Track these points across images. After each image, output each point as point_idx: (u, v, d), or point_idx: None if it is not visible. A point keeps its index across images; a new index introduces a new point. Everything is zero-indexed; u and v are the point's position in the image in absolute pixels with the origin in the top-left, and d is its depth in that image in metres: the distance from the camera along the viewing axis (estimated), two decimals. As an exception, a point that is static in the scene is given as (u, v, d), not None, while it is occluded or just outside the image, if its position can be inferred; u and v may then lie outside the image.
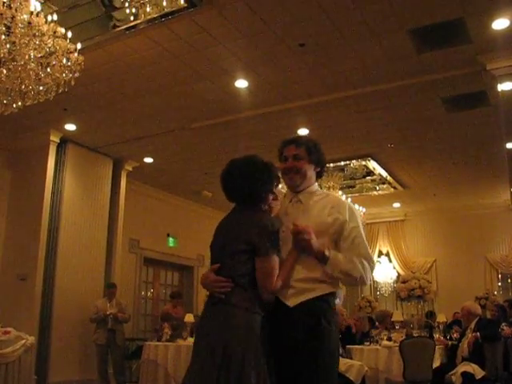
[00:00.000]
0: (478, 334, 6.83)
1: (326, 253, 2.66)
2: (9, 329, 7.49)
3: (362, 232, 2.80)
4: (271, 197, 2.85)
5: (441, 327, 8.94)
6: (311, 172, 2.90)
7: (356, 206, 10.77)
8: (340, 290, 2.95)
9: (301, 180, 2.86)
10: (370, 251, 2.88)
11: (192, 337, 8.19)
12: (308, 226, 2.66)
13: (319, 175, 2.99)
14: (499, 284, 12.76)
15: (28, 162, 9.06)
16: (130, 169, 10.44)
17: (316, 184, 2.96)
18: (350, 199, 10.89)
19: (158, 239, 11.99)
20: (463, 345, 7.08)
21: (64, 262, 8.79)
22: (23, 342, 7.51)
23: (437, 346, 7.14)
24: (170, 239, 12.37)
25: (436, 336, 8.18)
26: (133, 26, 5.92)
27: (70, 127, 8.67)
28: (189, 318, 8.35)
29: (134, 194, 11.03)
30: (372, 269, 2.77)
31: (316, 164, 2.92)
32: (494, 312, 8.76)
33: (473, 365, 6.58)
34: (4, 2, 4.36)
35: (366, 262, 2.72)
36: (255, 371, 2.47)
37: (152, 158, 10.15)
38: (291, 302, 2.64)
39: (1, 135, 8.89)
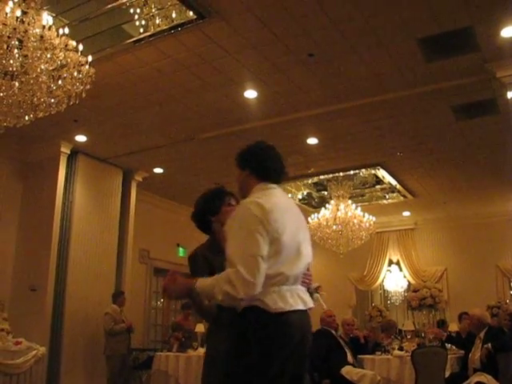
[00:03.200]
0: (490, 345, 6.73)
1: (195, 286, 2.55)
2: (20, 339, 7.54)
3: (239, 228, 2.50)
4: (224, 209, 3.06)
5: (453, 335, 8.89)
6: (243, 178, 2.79)
7: (366, 215, 10.76)
8: (316, 294, 2.87)
9: (242, 194, 2.81)
10: (246, 248, 2.43)
11: (202, 347, 8.19)
12: (171, 274, 2.69)
13: (260, 176, 2.74)
14: (511, 292, 12.67)
15: (39, 173, 9.10)
16: (140, 179, 10.47)
17: (256, 188, 2.71)
18: (359, 208, 10.87)
19: (167, 249, 12.00)
20: (474, 356, 7.00)
21: (75, 273, 8.81)
22: (34, 352, 7.55)
23: (448, 356, 7.10)
24: (180, 249, 12.37)
25: (448, 345, 8.13)
26: (142, 38, 5.97)
27: (81, 138, 8.73)
28: (199, 328, 8.35)
29: (143, 204, 11.06)
30: (247, 269, 2.36)
31: (242, 169, 2.80)
32: (507, 321, 8.67)
33: (487, 375, 6.50)
34: (17, 17, 4.41)
35: (230, 270, 2.41)
36: None
37: (162, 168, 10.19)
38: None
39: (12, 147, 8.96)
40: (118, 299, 9.10)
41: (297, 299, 2.54)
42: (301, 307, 2.54)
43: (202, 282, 2.53)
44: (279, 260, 2.50)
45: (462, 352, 7.79)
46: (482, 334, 7.07)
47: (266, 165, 2.76)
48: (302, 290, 2.62)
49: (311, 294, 2.73)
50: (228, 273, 2.41)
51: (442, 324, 10.14)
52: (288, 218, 2.60)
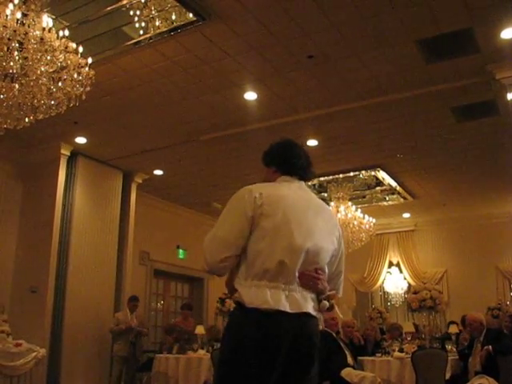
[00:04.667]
0: (490, 347, 6.71)
1: None
2: (20, 341, 7.53)
3: (225, 209, 2.57)
4: None
5: (453, 338, 8.88)
6: (269, 175, 2.80)
7: (366, 217, 10.76)
8: (324, 302, 2.54)
9: None
10: (220, 229, 2.53)
11: (203, 349, 8.20)
12: None
13: (283, 171, 2.76)
14: (512, 294, 12.67)
15: (39, 174, 9.11)
16: (140, 181, 10.48)
17: (276, 181, 2.75)
18: (359, 210, 10.87)
19: (168, 251, 12.01)
20: (474, 359, 6.97)
21: (75, 275, 8.81)
22: (34, 354, 7.55)
23: (449, 357, 7.09)
24: (180, 251, 12.38)
25: (448, 347, 8.12)
26: (142, 40, 5.98)
27: (81, 140, 8.73)
28: (199, 330, 8.35)
29: (143, 206, 11.06)
30: (208, 246, 2.50)
31: (268, 165, 2.84)
32: (508, 323, 8.65)
33: (488, 378, 6.48)
34: (18, 20, 4.42)
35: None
36: None
37: (162, 170, 10.20)
38: None
39: (12, 148, 8.96)
40: (128, 304, 9.18)
41: (281, 299, 2.38)
42: (285, 309, 2.36)
43: None
44: (262, 249, 2.42)
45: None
46: (481, 337, 7.05)
47: (290, 161, 2.77)
48: (298, 291, 2.43)
49: (320, 301, 2.51)
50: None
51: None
52: (288, 209, 2.50)
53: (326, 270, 2.59)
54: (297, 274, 2.44)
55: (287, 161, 2.76)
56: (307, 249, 2.45)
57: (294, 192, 2.63)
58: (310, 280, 2.46)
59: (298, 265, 2.44)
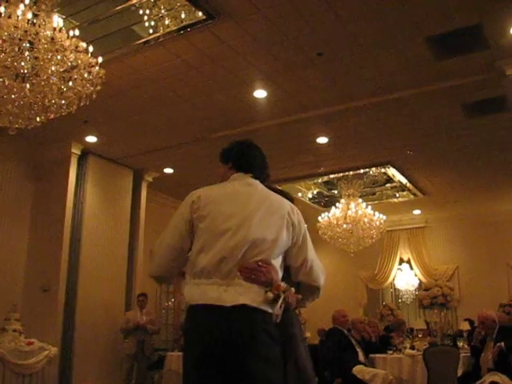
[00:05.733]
0: (503, 344, 6.68)
1: None
2: (32, 340, 7.59)
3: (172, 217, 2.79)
4: None
5: (464, 335, 8.86)
6: (222, 173, 2.88)
7: (376, 214, 10.75)
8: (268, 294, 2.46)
9: None
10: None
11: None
12: None
13: (237, 168, 2.81)
14: (523, 290, 12.60)
15: (50, 173, 9.15)
16: (151, 180, 10.51)
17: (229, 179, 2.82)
18: (369, 207, 10.85)
19: (178, 249, 12.02)
20: (487, 356, 6.94)
21: (86, 273, 8.86)
22: (46, 352, 7.61)
23: (460, 355, 7.08)
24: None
25: (460, 344, 8.10)
26: (152, 39, 6.00)
27: (91, 139, 8.77)
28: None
29: (154, 204, 11.09)
30: (154, 252, 2.73)
31: (224, 163, 2.90)
32: (520, 320, 8.61)
33: (501, 375, 6.45)
34: (28, 20, 4.45)
35: None
36: None
37: (172, 168, 10.22)
38: None
39: (23, 148, 9.01)
40: (137, 301, 9.24)
41: (216, 294, 2.42)
42: (219, 303, 2.40)
43: None
44: (200, 249, 2.51)
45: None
46: (494, 334, 7.02)
47: (246, 159, 2.82)
48: (239, 285, 2.42)
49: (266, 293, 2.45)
50: None
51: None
52: (224, 207, 2.57)
53: (277, 262, 2.55)
54: (236, 268, 2.44)
55: (243, 158, 2.82)
56: (244, 244, 2.47)
57: (238, 188, 2.68)
58: (250, 273, 2.44)
59: (236, 259, 2.45)
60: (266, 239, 2.51)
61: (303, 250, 2.64)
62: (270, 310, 2.43)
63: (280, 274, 2.56)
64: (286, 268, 2.65)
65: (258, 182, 2.76)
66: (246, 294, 2.42)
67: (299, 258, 2.63)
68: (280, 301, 2.42)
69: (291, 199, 2.96)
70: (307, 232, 2.70)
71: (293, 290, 2.53)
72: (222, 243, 2.48)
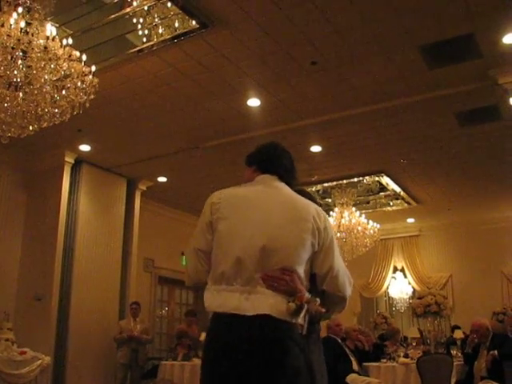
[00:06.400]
0: (496, 352, 6.69)
1: None
2: (25, 349, 7.54)
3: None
4: None
5: (458, 343, 8.85)
6: (247, 176, 2.79)
7: (370, 222, 10.76)
8: (291, 304, 2.34)
9: None
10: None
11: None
12: None
13: (262, 170, 2.72)
14: (517, 298, 12.61)
15: (43, 182, 9.13)
16: (144, 188, 10.49)
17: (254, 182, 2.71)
18: (363, 215, 10.86)
19: (172, 258, 11.98)
20: (480, 364, 6.95)
21: (79, 282, 8.82)
22: (39, 362, 7.54)
23: (454, 363, 7.07)
24: (185, 258, 12.35)
25: (454, 352, 8.09)
26: (146, 48, 6.00)
27: (85, 148, 8.75)
28: (204, 336, 8.33)
29: (148, 213, 11.07)
30: (187, 254, 2.65)
31: (249, 165, 2.81)
32: (513, 328, 8.63)
33: (494, 383, 6.46)
34: (21, 28, 4.44)
35: None
36: None
37: (166, 177, 10.21)
38: None
39: (17, 157, 8.99)
40: (130, 309, 9.22)
41: (236, 302, 2.31)
42: (239, 312, 2.29)
43: None
44: (219, 252, 2.42)
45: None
46: (487, 342, 7.03)
47: (270, 159, 2.73)
48: (262, 293, 2.32)
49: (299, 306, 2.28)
50: None
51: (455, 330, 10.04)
52: (247, 210, 2.47)
53: (301, 270, 2.40)
54: (259, 276, 2.33)
55: (267, 159, 2.73)
56: (264, 247, 2.34)
57: (262, 191, 2.57)
58: (273, 281, 2.32)
59: (256, 265, 2.34)
60: (288, 245, 2.38)
61: (329, 257, 2.47)
62: (293, 321, 2.30)
63: (305, 283, 2.42)
64: (312, 276, 2.48)
65: (283, 184, 2.63)
66: (268, 303, 2.30)
67: (325, 265, 2.45)
68: (303, 312, 2.30)
69: (319, 204, 2.78)
70: (335, 239, 2.54)
71: (318, 300, 2.37)
72: (241, 247, 2.37)
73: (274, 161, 2.71)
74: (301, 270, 2.39)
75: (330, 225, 2.54)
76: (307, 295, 2.33)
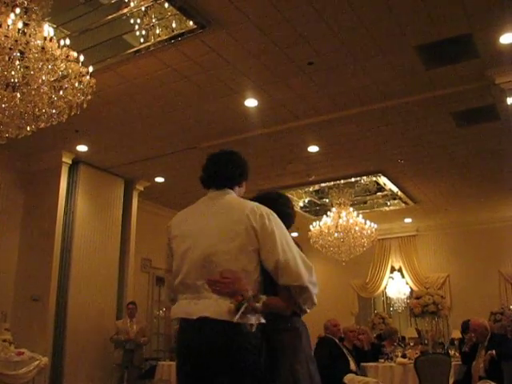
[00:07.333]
0: (494, 352, 6.68)
1: None
2: (22, 350, 7.51)
3: None
4: None
5: (456, 343, 8.86)
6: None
7: (367, 222, 10.77)
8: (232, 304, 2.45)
9: None
10: None
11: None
12: None
13: (205, 187, 2.91)
14: (514, 298, 12.62)
15: (41, 183, 9.12)
16: (142, 189, 10.49)
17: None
18: (361, 215, 10.87)
19: (169, 258, 11.99)
20: (478, 364, 6.94)
21: (77, 283, 8.81)
22: (37, 363, 7.52)
23: (452, 363, 7.07)
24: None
25: (452, 352, 8.10)
26: (143, 48, 6.00)
27: (82, 148, 8.75)
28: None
29: (145, 213, 11.06)
30: None
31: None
32: (511, 328, 8.61)
33: (492, 383, 6.45)
34: (19, 29, 4.44)
35: None
36: None
37: (163, 177, 10.21)
38: None
39: (14, 157, 8.99)
40: (126, 310, 9.20)
41: (186, 307, 2.56)
42: (187, 316, 2.53)
43: None
44: (174, 268, 2.68)
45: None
46: (485, 342, 7.02)
47: (204, 175, 2.90)
48: (209, 298, 2.48)
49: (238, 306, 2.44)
50: None
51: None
52: (187, 226, 2.72)
53: (249, 269, 2.52)
54: (203, 282, 2.50)
55: (206, 176, 2.89)
56: (202, 257, 2.54)
57: (200, 206, 2.81)
58: (215, 285, 2.46)
59: (199, 274, 2.53)
60: (222, 250, 2.52)
61: (274, 252, 2.50)
62: (234, 320, 2.40)
63: (258, 279, 2.55)
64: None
65: (223, 192, 2.77)
66: (211, 307, 2.46)
67: (270, 261, 2.51)
68: (240, 310, 2.39)
69: (287, 213, 2.96)
70: (279, 231, 2.57)
71: (264, 297, 2.49)
72: (186, 262, 2.60)
73: (211, 175, 2.85)
74: (247, 271, 2.51)
75: (271, 219, 2.59)
76: (248, 294, 2.43)
